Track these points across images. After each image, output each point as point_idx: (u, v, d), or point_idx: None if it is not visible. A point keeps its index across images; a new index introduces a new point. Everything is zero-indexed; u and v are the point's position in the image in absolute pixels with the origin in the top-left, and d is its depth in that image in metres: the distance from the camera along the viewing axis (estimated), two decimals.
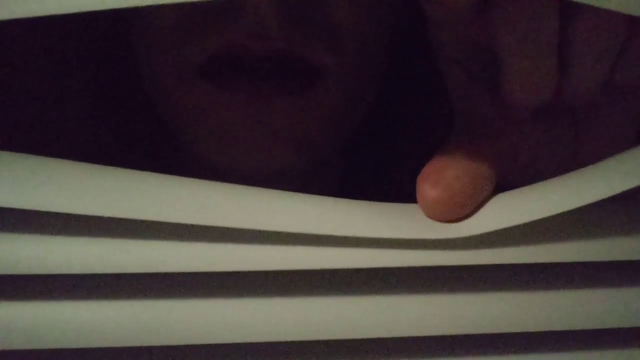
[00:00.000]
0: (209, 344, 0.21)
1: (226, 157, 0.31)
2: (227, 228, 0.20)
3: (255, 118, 0.29)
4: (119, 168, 0.20)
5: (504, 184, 0.22)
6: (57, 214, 0.19)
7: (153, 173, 0.21)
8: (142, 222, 0.20)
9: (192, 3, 0.27)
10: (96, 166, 0.20)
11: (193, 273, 0.21)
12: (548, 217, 0.20)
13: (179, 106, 0.31)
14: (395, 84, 0.37)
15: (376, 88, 0.34)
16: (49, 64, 0.36)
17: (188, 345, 0.21)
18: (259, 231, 0.20)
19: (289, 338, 0.21)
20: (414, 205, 0.21)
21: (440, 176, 0.21)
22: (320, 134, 0.31)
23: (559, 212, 0.20)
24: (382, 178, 0.39)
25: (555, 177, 0.21)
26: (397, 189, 0.36)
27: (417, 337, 0.22)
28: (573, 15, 0.20)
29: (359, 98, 0.33)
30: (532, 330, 0.21)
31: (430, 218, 0.21)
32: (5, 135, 0.34)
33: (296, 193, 0.21)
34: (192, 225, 0.20)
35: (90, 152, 0.37)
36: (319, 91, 0.30)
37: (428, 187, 0.20)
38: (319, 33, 0.29)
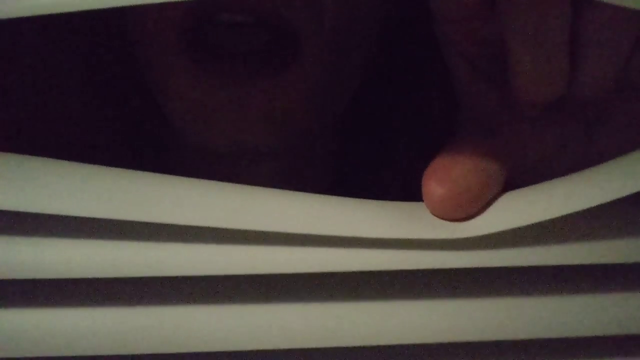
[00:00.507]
0: (209, 352, 0.20)
1: (209, 138, 0.31)
2: (223, 229, 0.19)
3: (233, 101, 0.29)
4: (113, 168, 0.20)
5: (512, 182, 0.22)
6: (55, 216, 0.19)
7: (149, 173, 0.20)
8: (138, 223, 0.19)
9: None
10: (92, 166, 0.20)
11: (191, 277, 0.20)
12: (559, 217, 0.19)
13: (165, 89, 0.31)
14: (394, 73, 0.36)
15: (360, 69, 0.33)
16: (46, 60, 0.35)
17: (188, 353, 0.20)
18: (252, 232, 0.19)
19: (287, 345, 0.20)
20: (419, 203, 0.21)
21: (448, 173, 0.20)
22: (301, 114, 0.31)
23: (570, 212, 0.19)
24: (379, 165, 0.39)
25: (566, 175, 0.21)
26: (394, 175, 0.36)
27: (421, 345, 0.21)
28: (585, 9, 0.20)
29: (339, 77, 0.32)
30: (542, 337, 0.21)
31: (437, 216, 0.20)
32: (6, 135, 0.34)
33: (293, 192, 0.20)
34: (188, 227, 0.19)
35: (89, 142, 0.36)
36: (295, 71, 0.29)
37: (435, 184, 0.20)
38: None
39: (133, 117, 0.38)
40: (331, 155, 0.39)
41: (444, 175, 0.20)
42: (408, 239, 0.19)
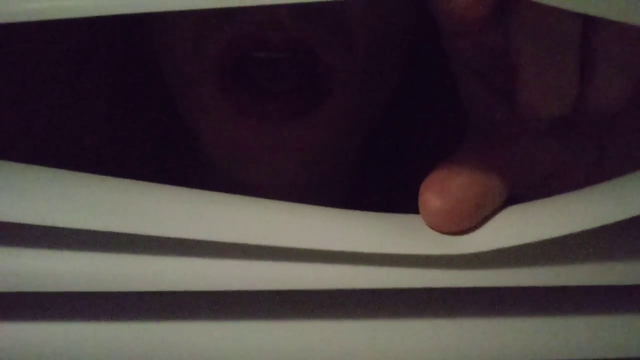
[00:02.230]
0: None
1: (236, 170, 0.32)
2: (219, 243, 0.18)
3: (264, 138, 0.30)
4: (117, 178, 0.19)
5: (519, 196, 0.21)
6: (54, 228, 0.18)
7: (152, 184, 0.19)
8: (140, 237, 0.18)
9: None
10: (96, 177, 0.19)
11: (192, 292, 0.19)
12: (563, 235, 0.18)
13: (196, 117, 0.32)
14: (406, 90, 0.36)
15: (388, 97, 0.34)
16: (66, 65, 0.36)
17: None
18: (241, 246, 0.18)
19: None
20: (415, 216, 0.20)
21: (446, 185, 0.19)
22: (330, 149, 0.32)
23: (574, 231, 0.18)
24: (391, 187, 0.39)
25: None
26: (406, 198, 0.36)
27: None
28: (596, 24, 0.19)
29: (370, 110, 0.33)
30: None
31: (433, 229, 0.19)
32: (20, 136, 0.35)
33: (281, 202, 0.19)
34: (188, 240, 0.18)
35: (110, 156, 0.37)
36: (328, 107, 0.30)
37: (431, 195, 0.19)
38: (330, 28, 0.29)
39: (164, 144, 0.39)
40: (348, 177, 0.39)
41: (442, 187, 0.19)
42: (401, 255, 0.19)
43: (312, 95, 0.30)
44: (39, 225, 0.18)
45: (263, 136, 0.30)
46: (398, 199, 0.37)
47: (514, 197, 0.21)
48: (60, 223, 0.18)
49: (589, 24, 0.19)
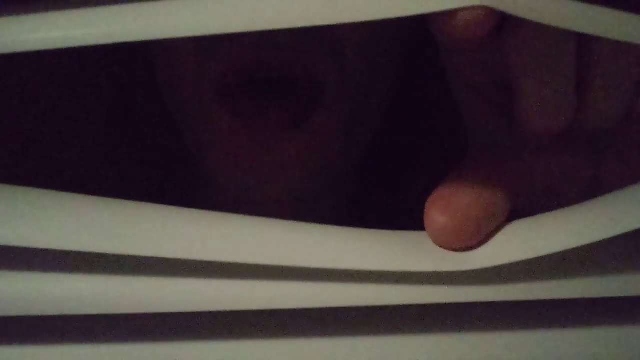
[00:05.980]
0: None
1: (235, 182, 0.33)
2: (218, 263, 0.18)
3: (262, 147, 0.31)
4: (113, 199, 0.19)
5: (519, 210, 0.21)
6: (47, 250, 0.18)
7: (148, 204, 0.19)
8: (135, 257, 0.18)
9: None
10: (92, 198, 0.19)
11: (190, 313, 0.19)
12: (567, 249, 0.19)
13: (195, 130, 0.32)
14: (408, 100, 0.37)
15: (383, 107, 0.34)
16: (65, 82, 0.36)
17: None
18: (246, 266, 0.18)
19: None
20: (421, 233, 0.20)
21: (450, 202, 0.19)
22: (327, 158, 0.32)
23: (579, 244, 0.19)
24: (393, 195, 0.39)
25: (575, 204, 0.20)
26: (409, 206, 0.36)
27: None
28: (592, 38, 0.19)
29: (364, 120, 0.33)
30: None
31: (439, 246, 0.19)
32: (19, 150, 0.34)
33: (287, 221, 0.19)
34: (186, 261, 0.18)
35: (117, 184, 0.37)
36: (320, 117, 0.31)
37: (437, 213, 0.19)
38: (321, 44, 0.29)
39: (163, 160, 0.39)
40: (349, 185, 0.39)
41: (447, 204, 0.19)
42: (408, 271, 0.19)
43: (303, 106, 0.30)
44: (34, 248, 0.18)
45: (259, 145, 0.30)
46: (398, 208, 0.38)
47: (514, 212, 0.21)
48: (55, 245, 0.18)
49: (584, 41, 0.19)
